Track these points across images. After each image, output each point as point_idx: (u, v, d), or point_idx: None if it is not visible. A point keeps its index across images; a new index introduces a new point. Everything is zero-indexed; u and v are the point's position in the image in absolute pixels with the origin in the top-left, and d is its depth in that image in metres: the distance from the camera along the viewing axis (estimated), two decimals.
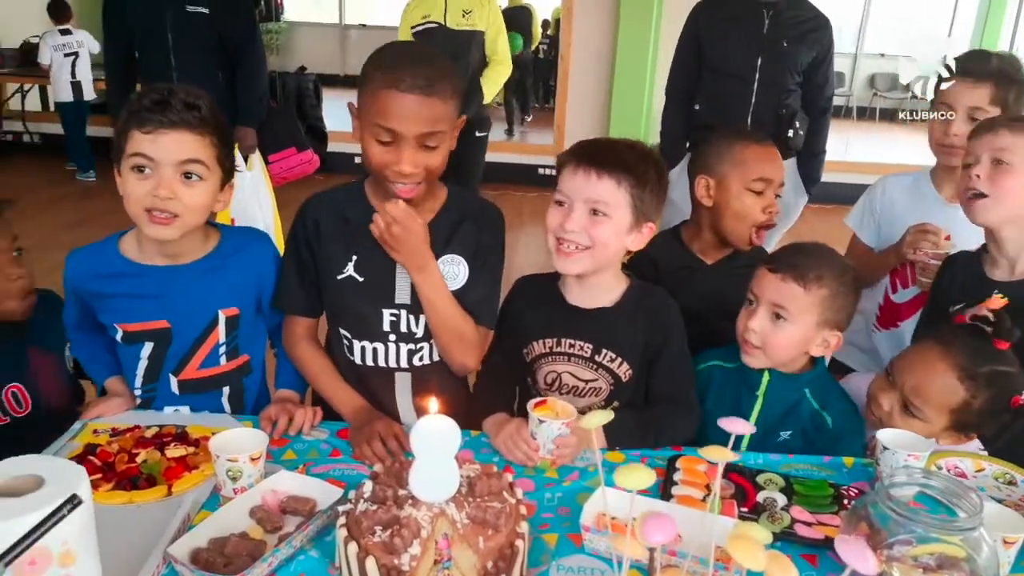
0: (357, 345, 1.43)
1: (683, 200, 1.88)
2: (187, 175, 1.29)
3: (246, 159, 3.18)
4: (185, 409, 1.41)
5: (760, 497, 1.20)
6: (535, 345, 1.46)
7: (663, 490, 1.21)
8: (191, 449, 1.23)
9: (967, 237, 1.63)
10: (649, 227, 1.39)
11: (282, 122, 3.50)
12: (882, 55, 11.37)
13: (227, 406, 1.46)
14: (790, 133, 2.66)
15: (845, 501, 1.19)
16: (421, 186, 1.32)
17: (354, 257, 1.39)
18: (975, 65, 1.75)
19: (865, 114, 11.48)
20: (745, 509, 1.16)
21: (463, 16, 3.59)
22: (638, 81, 6.26)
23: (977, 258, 1.58)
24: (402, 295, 1.40)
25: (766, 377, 1.44)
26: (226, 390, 1.46)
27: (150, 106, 1.27)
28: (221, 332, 1.41)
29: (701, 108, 2.73)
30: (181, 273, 1.37)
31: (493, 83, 3.78)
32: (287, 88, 7.48)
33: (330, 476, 1.21)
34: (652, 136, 6.35)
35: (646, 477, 0.85)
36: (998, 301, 1.36)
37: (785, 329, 1.38)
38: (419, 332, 1.42)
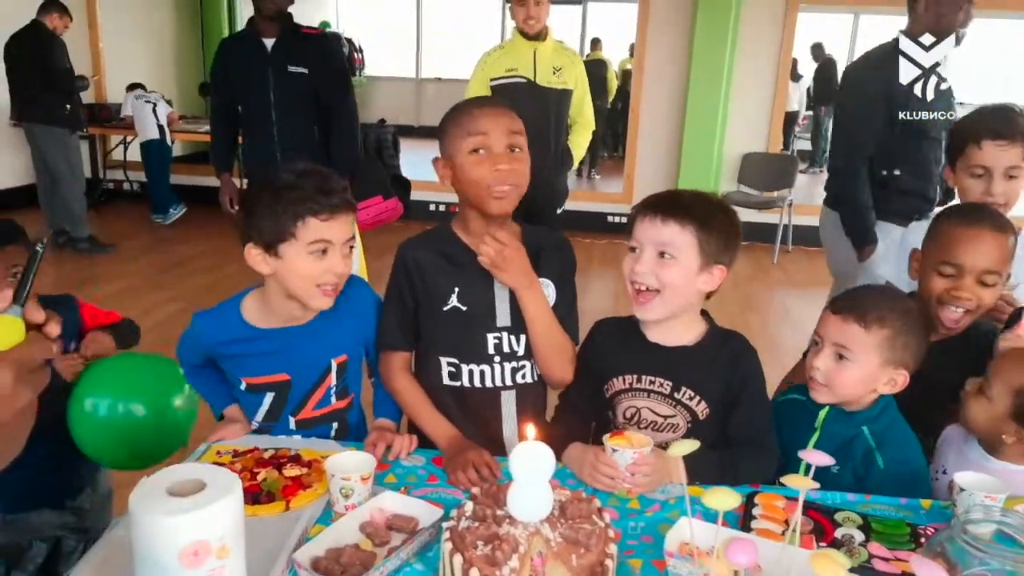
0: (465, 369, 1.56)
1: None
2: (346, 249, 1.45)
3: None
4: (297, 436, 1.54)
5: (838, 533, 1.25)
6: (615, 381, 1.55)
7: (742, 524, 1.27)
8: (305, 470, 1.35)
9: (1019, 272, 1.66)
10: (720, 269, 1.47)
11: (370, 172, 3.68)
12: (961, 104, 11.18)
13: (333, 435, 1.60)
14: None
15: (922, 540, 1.23)
16: (515, 191, 1.47)
17: (456, 289, 1.54)
18: (1005, 126, 1.81)
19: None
20: (823, 544, 1.21)
21: (554, 73, 3.45)
22: (708, 133, 6.35)
23: None
24: (503, 319, 1.55)
25: (824, 411, 1.50)
26: (335, 424, 1.60)
27: (314, 194, 1.39)
28: (333, 377, 1.56)
29: (902, 175, 2.65)
30: (299, 332, 1.51)
31: (579, 147, 3.67)
32: (368, 139, 7.84)
33: (428, 499, 1.31)
34: (720, 186, 6.43)
35: (732, 499, 0.92)
36: None
37: (848, 368, 1.43)
38: (520, 351, 1.56)
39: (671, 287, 1.44)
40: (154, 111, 6.68)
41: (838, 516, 1.29)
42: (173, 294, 4.81)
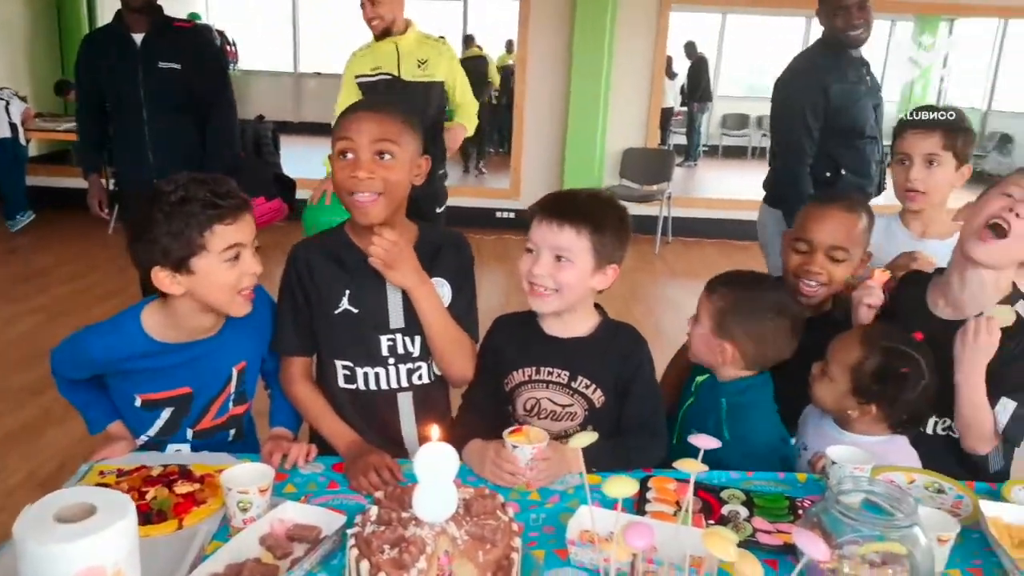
0: (360, 372, 1.56)
1: None
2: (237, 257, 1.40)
3: None
4: (185, 448, 1.49)
5: (724, 510, 1.33)
6: (515, 375, 1.58)
7: (637, 507, 1.33)
8: (197, 485, 1.30)
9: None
10: (613, 268, 1.53)
11: (251, 171, 3.56)
12: None
13: (230, 440, 1.59)
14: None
15: (800, 511, 1.33)
16: (380, 200, 1.45)
17: (347, 291, 1.53)
18: (923, 117, 1.96)
19: None
20: (712, 521, 1.29)
21: (419, 67, 3.37)
22: (590, 129, 6.51)
23: (924, 287, 1.68)
24: (396, 320, 1.55)
25: (702, 377, 1.64)
26: (232, 431, 1.60)
27: (212, 200, 1.34)
28: (233, 385, 1.55)
29: (847, 174, 2.83)
30: (207, 344, 1.48)
31: (462, 135, 3.54)
32: (245, 136, 7.58)
33: (329, 506, 1.30)
34: (604, 181, 6.61)
35: (629, 487, 0.96)
36: (882, 275, 1.64)
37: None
38: (416, 352, 1.57)
39: (567, 287, 1.49)
40: (6, 109, 6.19)
41: (724, 494, 1.37)
42: (33, 305, 4.50)
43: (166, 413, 1.50)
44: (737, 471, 1.48)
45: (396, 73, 3.34)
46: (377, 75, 3.35)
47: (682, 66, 10.89)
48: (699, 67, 10.83)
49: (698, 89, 10.85)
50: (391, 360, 1.56)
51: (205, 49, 3.33)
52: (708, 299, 1.61)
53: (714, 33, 12.00)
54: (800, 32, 11.89)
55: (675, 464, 1.05)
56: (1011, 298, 1.58)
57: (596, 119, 6.51)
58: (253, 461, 1.37)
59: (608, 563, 1.14)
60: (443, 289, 1.56)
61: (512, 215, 6.70)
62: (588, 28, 6.31)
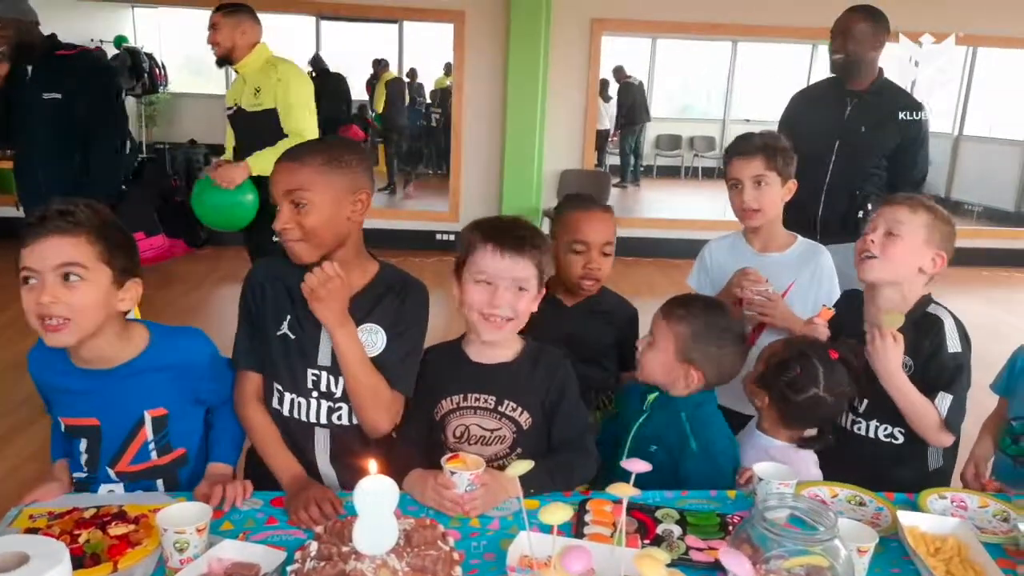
0: (287, 397, 1.57)
1: None
2: (66, 276, 1.33)
3: None
4: (119, 488, 1.46)
5: (659, 530, 1.37)
6: (444, 403, 1.61)
7: (575, 530, 1.36)
8: (132, 527, 1.28)
9: (777, 279, 2.02)
10: (542, 292, 1.60)
11: (130, 205, 3.50)
12: (747, 120, 12.36)
13: (161, 492, 1.50)
14: (860, 214, 2.87)
15: (730, 527, 1.38)
16: (301, 244, 1.49)
17: (288, 317, 1.55)
18: (745, 144, 2.13)
19: None
20: (647, 541, 1.33)
21: (254, 95, 3.30)
22: (527, 151, 6.60)
23: (859, 308, 1.86)
24: (324, 358, 1.56)
25: (653, 396, 1.69)
26: (160, 482, 1.52)
27: (29, 223, 1.34)
28: (148, 431, 1.49)
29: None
30: (109, 375, 1.45)
31: (266, 162, 3.08)
32: (176, 161, 7.40)
33: (269, 542, 1.29)
34: (542, 202, 6.70)
35: (565, 513, 1.00)
36: (826, 313, 1.83)
37: None
38: (338, 392, 1.57)
39: (524, 314, 1.56)
40: None
41: (658, 514, 1.42)
42: None
43: (82, 444, 1.48)
44: (673, 491, 1.53)
45: (239, 103, 3.31)
46: (231, 108, 3.35)
47: (614, 90, 11.13)
48: (627, 90, 11.07)
49: (626, 111, 11.09)
50: (314, 394, 1.56)
51: (89, 76, 3.26)
52: (668, 325, 1.67)
53: (645, 57, 12.31)
54: (727, 55, 12.33)
55: (608, 488, 1.09)
56: (921, 304, 1.77)
57: (533, 141, 6.60)
58: (188, 500, 1.36)
59: None
60: (376, 335, 1.55)
61: (451, 237, 6.72)
62: (522, 52, 6.41)
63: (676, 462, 1.62)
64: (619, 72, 11.08)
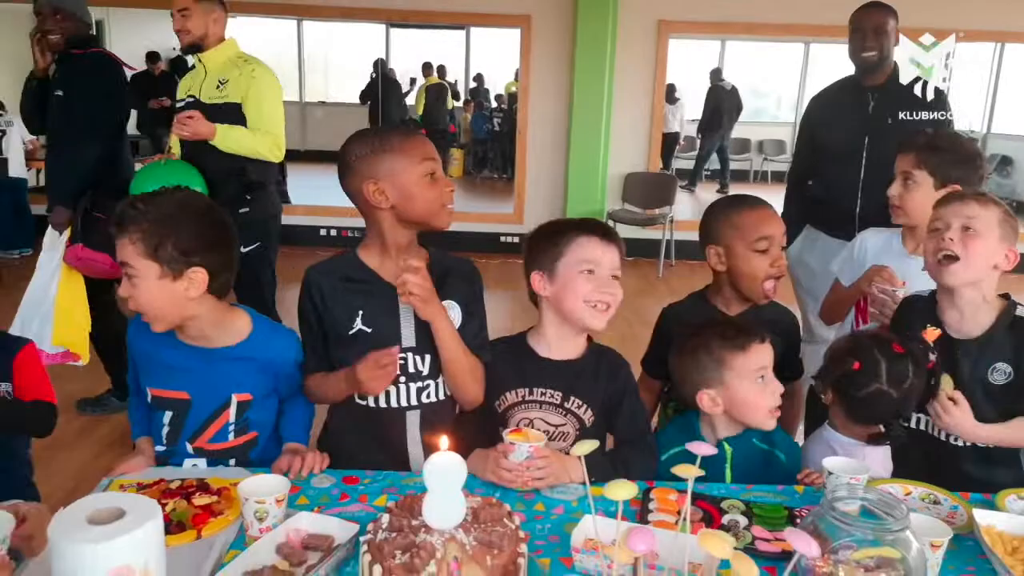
0: None
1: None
2: (128, 275, 1.45)
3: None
4: (201, 463, 1.54)
5: (725, 520, 1.37)
6: (508, 396, 1.64)
7: (639, 518, 1.37)
8: (214, 498, 1.35)
9: (917, 284, 1.86)
10: None
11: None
12: None
13: None
14: None
15: (797, 520, 1.36)
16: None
17: (360, 312, 1.57)
18: (909, 138, 2.10)
19: None
20: (711, 530, 1.32)
21: (217, 87, 3.05)
22: (592, 155, 6.61)
23: (931, 306, 1.76)
24: (407, 339, 1.59)
25: (729, 450, 1.63)
26: (232, 461, 1.59)
27: None
28: (232, 413, 1.58)
29: (814, 187, 2.97)
30: (208, 355, 1.55)
31: (246, 141, 3.00)
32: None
33: (342, 516, 1.34)
34: (607, 205, 6.69)
35: (629, 490, 1.01)
36: (932, 333, 1.63)
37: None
38: (425, 371, 1.60)
39: (619, 302, 1.62)
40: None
41: (724, 504, 1.42)
42: None
43: (167, 417, 1.56)
44: (738, 484, 1.53)
45: (198, 95, 3.06)
46: (184, 99, 3.10)
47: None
48: (714, 93, 10.91)
49: (709, 115, 10.94)
50: (401, 379, 1.59)
51: (90, 76, 3.24)
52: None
53: (714, 60, 12.15)
54: (799, 57, 12.07)
55: (673, 470, 1.09)
56: (1009, 307, 1.69)
57: (598, 144, 6.60)
58: (267, 474, 1.42)
59: (611, 568, 1.19)
60: (454, 312, 1.59)
61: (515, 239, 6.77)
62: (588, 55, 6.42)
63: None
64: (716, 74, 10.95)
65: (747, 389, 1.60)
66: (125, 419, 3.19)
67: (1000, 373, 1.64)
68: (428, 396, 1.62)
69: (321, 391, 1.64)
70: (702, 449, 1.10)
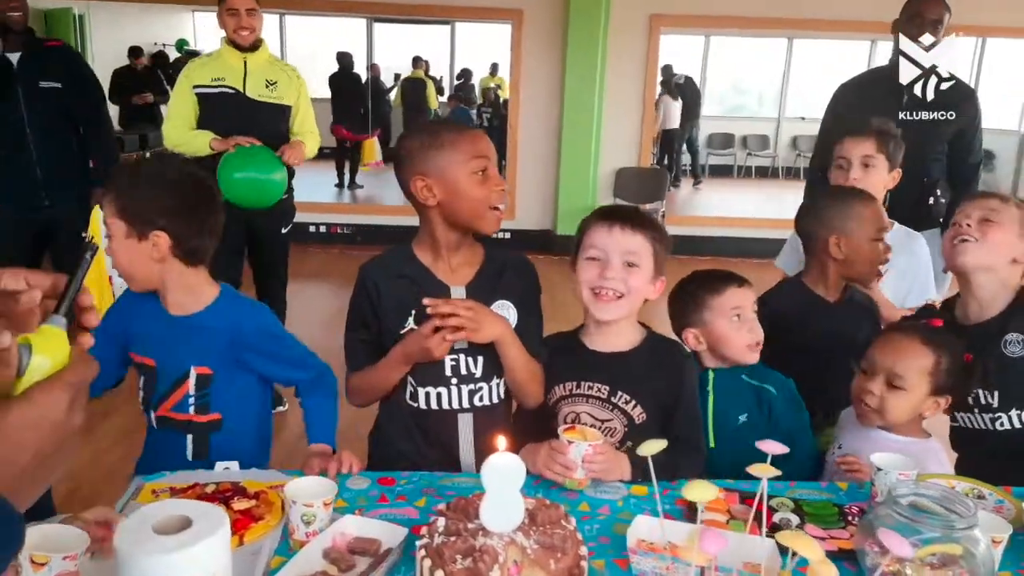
0: (422, 391, 1.55)
1: None
2: (107, 235, 1.53)
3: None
4: (234, 465, 1.49)
5: (776, 518, 1.34)
6: (557, 389, 1.60)
7: (687, 516, 1.34)
8: (253, 502, 1.30)
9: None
10: (662, 281, 1.58)
11: None
12: (803, 118, 12.15)
13: (190, 451, 1.59)
14: (931, 201, 2.87)
15: (849, 517, 1.35)
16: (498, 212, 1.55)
17: (413, 311, 1.52)
18: (859, 125, 2.20)
19: (791, 174, 12.20)
20: (766, 529, 1.30)
21: (267, 87, 3.30)
22: (584, 150, 6.60)
23: (949, 310, 1.82)
24: (460, 341, 1.52)
25: (711, 375, 1.70)
26: (190, 437, 1.58)
27: None
28: (191, 386, 1.56)
29: None
30: (172, 322, 1.56)
31: (310, 152, 3.41)
32: None
33: (383, 519, 1.30)
34: (598, 199, 6.67)
35: (711, 491, 0.98)
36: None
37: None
38: (478, 372, 1.55)
39: (636, 292, 1.55)
40: None
41: (773, 503, 1.39)
42: None
43: (141, 381, 1.59)
44: (782, 481, 1.50)
45: (240, 88, 3.27)
46: (218, 87, 3.25)
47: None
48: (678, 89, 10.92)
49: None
50: (454, 380, 1.54)
51: (82, 66, 3.41)
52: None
53: (699, 55, 12.18)
54: (782, 53, 12.13)
55: (748, 468, 1.07)
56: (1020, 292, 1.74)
57: (589, 139, 6.59)
58: (300, 476, 1.38)
59: (670, 570, 1.17)
60: (508, 311, 1.55)
61: (508, 235, 6.73)
62: (580, 49, 6.41)
63: (767, 416, 1.65)
64: (667, 70, 10.95)
65: (724, 327, 1.70)
66: (124, 420, 3.17)
67: (1015, 344, 1.69)
68: (481, 399, 1.56)
69: (369, 382, 1.57)
70: (771, 448, 1.07)
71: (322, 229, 6.86)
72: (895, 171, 2.17)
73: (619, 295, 1.53)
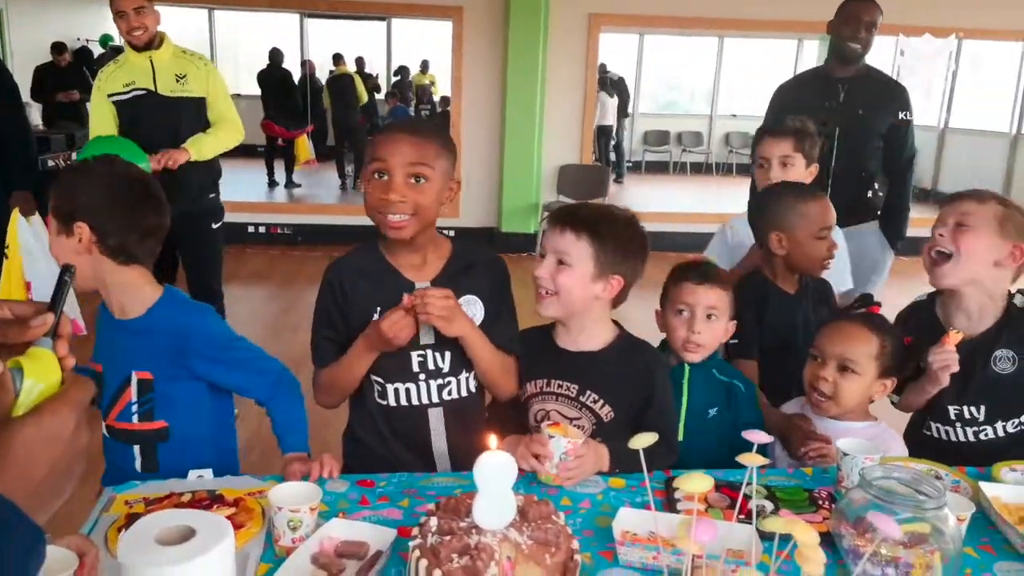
0: (390, 388, 1.54)
1: None
2: None
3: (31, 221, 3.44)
4: (208, 472, 1.45)
5: (751, 505, 1.38)
6: (528, 386, 1.62)
7: (667, 507, 1.38)
8: (232, 509, 1.27)
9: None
10: (617, 279, 1.57)
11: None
12: (734, 115, 12.47)
13: (138, 463, 1.55)
14: (869, 194, 2.97)
15: (820, 501, 1.40)
16: (412, 220, 1.46)
17: (378, 308, 1.51)
18: (777, 125, 2.29)
19: (723, 169, 12.50)
20: (743, 516, 1.34)
21: (176, 81, 3.25)
22: (527, 147, 6.64)
23: (931, 309, 1.83)
24: (427, 336, 1.53)
25: (687, 368, 1.73)
26: (136, 448, 1.55)
27: None
28: (133, 392, 1.52)
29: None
30: (114, 326, 1.54)
31: (217, 144, 3.32)
32: None
33: (367, 521, 1.29)
34: (542, 197, 6.71)
35: (706, 482, 1.01)
36: (955, 337, 1.66)
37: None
38: (446, 367, 1.55)
39: (565, 290, 1.55)
40: None
41: (747, 490, 1.43)
42: None
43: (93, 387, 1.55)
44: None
45: (152, 87, 3.23)
46: (131, 91, 3.22)
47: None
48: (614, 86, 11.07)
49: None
50: (421, 376, 1.54)
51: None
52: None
53: (633, 53, 12.36)
54: (713, 51, 12.42)
55: (738, 458, 1.10)
56: (1008, 304, 1.74)
57: (532, 137, 6.62)
58: (279, 481, 1.36)
59: (656, 560, 1.19)
60: (475, 307, 1.55)
61: (452, 232, 6.71)
62: (521, 47, 6.43)
63: (734, 411, 1.71)
64: (602, 68, 11.08)
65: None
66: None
67: (1005, 361, 1.71)
68: (450, 393, 1.57)
69: (335, 375, 1.54)
70: (757, 437, 1.11)
71: (261, 230, 6.73)
72: (812, 166, 2.26)
73: (549, 293, 1.56)
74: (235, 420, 1.70)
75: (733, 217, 2.42)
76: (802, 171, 2.25)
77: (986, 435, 1.75)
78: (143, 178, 1.57)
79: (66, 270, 0.67)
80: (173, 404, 1.54)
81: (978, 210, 1.67)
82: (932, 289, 1.81)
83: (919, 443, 1.79)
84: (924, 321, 1.80)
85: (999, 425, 1.74)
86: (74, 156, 6.30)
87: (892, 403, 1.86)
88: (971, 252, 1.66)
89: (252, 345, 1.63)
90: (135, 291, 1.53)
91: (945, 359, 1.65)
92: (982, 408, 1.74)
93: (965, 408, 1.75)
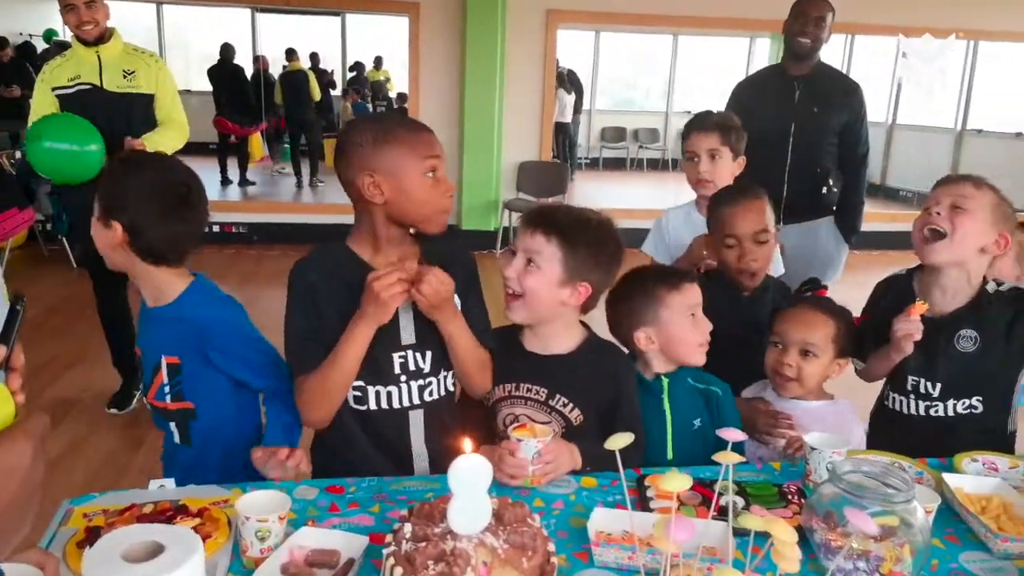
0: (371, 391, 1.50)
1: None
2: None
3: None
4: (169, 483, 1.41)
5: (723, 502, 1.39)
6: (496, 390, 1.60)
7: (640, 506, 1.37)
8: (197, 520, 1.23)
9: None
10: (584, 286, 1.55)
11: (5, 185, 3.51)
12: (688, 112, 12.60)
13: (176, 437, 1.64)
14: (824, 190, 3.02)
15: (789, 496, 1.41)
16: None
17: (356, 310, 1.44)
18: (703, 120, 2.32)
19: (678, 165, 12.63)
20: (715, 513, 1.34)
21: (125, 77, 3.23)
22: (486, 145, 6.62)
23: (908, 284, 1.85)
24: (407, 337, 1.50)
25: (665, 381, 1.68)
26: (172, 424, 1.64)
27: None
28: (164, 375, 1.59)
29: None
30: (149, 314, 1.62)
31: (167, 144, 3.22)
32: None
33: (337, 529, 1.27)
34: (502, 194, 6.70)
35: (683, 481, 1.00)
36: (920, 307, 1.70)
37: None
38: (426, 368, 1.52)
39: (531, 292, 1.53)
40: None
41: (718, 486, 1.43)
42: None
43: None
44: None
45: (97, 83, 3.21)
46: (75, 85, 3.20)
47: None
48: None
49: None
50: (403, 378, 1.51)
51: None
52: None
53: (590, 50, 12.42)
54: (668, 49, 12.54)
55: (715, 456, 1.10)
56: (981, 288, 1.77)
57: (491, 134, 6.61)
58: (245, 489, 1.32)
59: (632, 560, 1.19)
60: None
61: (412, 231, 6.66)
62: (479, 44, 6.41)
63: (717, 418, 1.68)
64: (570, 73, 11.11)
65: (681, 325, 1.65)
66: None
67: (968, 340, 1.75)
68: (431, 394, 1.53)
69: (326, 376, 1.43)
70: (730, 435, 1.11)
71: (215, 228, 6.58)
72: (740, 159, 2.32)
73: (516, 294, 1.54)
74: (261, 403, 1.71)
75: (669, 209, 2.49)
76: (730, 163, 2.31)
77: (936, 411, 1.80)
78: (186, 184, 1.57)
79: (17, 299, 0.64)
80: (198, 387, 1.59)
81: (976, 195, 1.69)
82: (901, 270, 1.90)
83: (878, 414, 1.92)
84: (900, 293, 1.84)
85: (950, 403, 1.78)
86: (18, 155, 6.10)
87: (856, 371, 1.92)
88: (965, 234, 1.68)
89: (270, 348, 1.63)
90: (165, 285, 1.59)
91: (908, 328, 1.70)
92: (938, 385, 1.78)
93: (922, 381, 1.79)
